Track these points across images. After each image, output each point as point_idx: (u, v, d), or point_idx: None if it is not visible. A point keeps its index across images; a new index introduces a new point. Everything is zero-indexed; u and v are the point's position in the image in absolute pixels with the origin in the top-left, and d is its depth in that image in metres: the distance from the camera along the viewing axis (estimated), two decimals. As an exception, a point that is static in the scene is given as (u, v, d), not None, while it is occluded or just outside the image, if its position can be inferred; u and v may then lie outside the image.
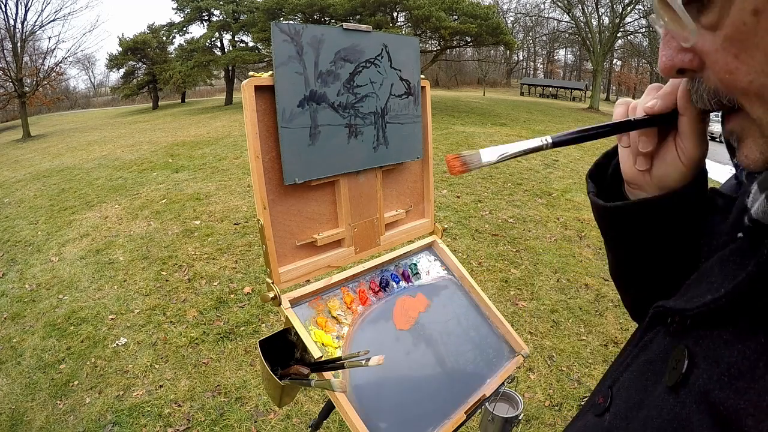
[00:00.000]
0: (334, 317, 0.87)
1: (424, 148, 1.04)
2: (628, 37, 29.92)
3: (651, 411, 0.35)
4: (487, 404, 0.99)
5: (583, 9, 24.80)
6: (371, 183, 0.95)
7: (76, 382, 2.48)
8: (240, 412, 2.21)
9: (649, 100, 0.44)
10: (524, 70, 58.38)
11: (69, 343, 2.84)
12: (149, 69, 25.78)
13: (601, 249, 4.18)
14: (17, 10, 18.98)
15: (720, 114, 0.36)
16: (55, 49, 26.51)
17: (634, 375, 0.41)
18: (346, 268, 0.95)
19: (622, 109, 0.48)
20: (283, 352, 0.81)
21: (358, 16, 16.82)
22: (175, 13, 25.67)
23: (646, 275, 0.53)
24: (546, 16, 34.65)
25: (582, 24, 25.17)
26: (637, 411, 0.38)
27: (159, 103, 28.28)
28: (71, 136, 14.09)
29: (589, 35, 24.95)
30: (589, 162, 8.19)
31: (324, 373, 0.76)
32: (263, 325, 2.96)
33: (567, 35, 34.19)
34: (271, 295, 0.79)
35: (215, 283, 3.50)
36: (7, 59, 15.98)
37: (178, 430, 2.13)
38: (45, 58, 18.23)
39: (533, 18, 37.21)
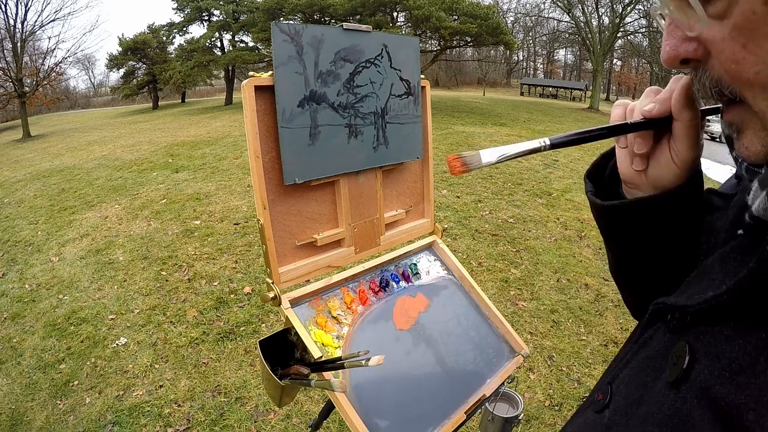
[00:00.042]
0: (334, 317, 0.87)
1: (424, 148, 1.04)
2: (628, 37, 29.93)
3: (651, 407, 0.35)
4: (487, 404, 0.99)
5: (583, 9, 24.81)
6: (371, 183, 0.95)
7: (76, 382, 2.48)
8: (240, 412, 2.21)
9: (647, 104, 0.45)
10: (524, 70, 58.38)
11: (69, 343, 2.84)
12: (149, 69, 25.79)
13: (601, 249, 4.17)
14: (17, 10, 18.99)
15: (720, 114, 0.36)
16: (55, 49, 26.53)
17: (634, 371, 0.41)
18: (346, 268, 0.95)
19: (619, 110, 0.49)
20: (283, 352, 0.81)
21: (358, 16, 16.82)
22: (175, 13, 25.70)
23: (646, 273, 0.53)
24: (546, 16, 34.68)
25: (582, 24, 25.18)
26: (637, 407, 0.38)
27: (159, 103, 28.28)
28: (71, 136, 14.09)
29: (589, 35, 24.95)
30: (589, 162, 8.13)
31: (324, 373, 0.76)
32: (263, 325, 2.96)
33: (567, 35, 34.19)
34: (271, 295, 0.79)
35: (215, 283, 3.50)
36: (7, 59, 15.99)
37: (178, 430, 2.13)
38: (45, 58, 18.25)
39: (533, 18, 37.22)
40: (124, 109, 30.62)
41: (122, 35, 26.61)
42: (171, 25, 25.53)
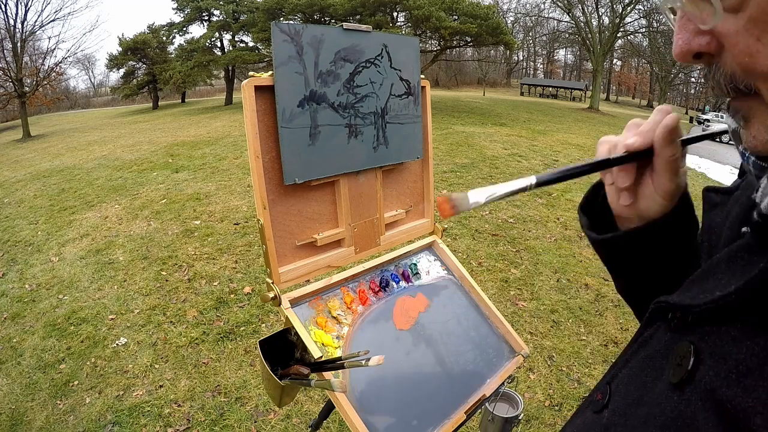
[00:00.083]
0: (334, 317, 0.87)
1: (424, 148, 1.04)
2: (628, 37, 29.94)
3: (652, 408, 0.35)
4: (487, 404, 0.99)
5: (583, 9, 24.81)
6: (371, 183, 0.95)
7: (76, 382, 2.48)
8: (240, 412, 2.21)
9: (629, 137, 0.46)
10: (524, 70, 58.39)
11: (69, 343, 2.84)
12: (149, 69, 25.80)
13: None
14: (17, 10, 18.96)
15: (728, 101, 0.35)
16: (55, 49, 26.52)
17: (633, 371, 0.41)
18: (346, 268, 0.95)
19: (604, 147, 0.50)
20: (283, 352, 0.81)
21: (358, 16, 16.82)
22: (175, 13, 25.72)
23: (651, 292, 0.54)
24: (546, 16, 34.68)
25: (582, 24, 25.18)
26: (636, 408, 0.37)
27: (159, 103, 28.29)
28: (71, 136, 14.09)
29: (589, 35, 24.96)
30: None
31: (324, 373, 0.76)
32: (263, 325, 2.96)
33: (567, 35, 34.18)
34: (271, 295, 0.79)
35: (215, 283, 3.50)
36: (7, 59, 15.99)
37: (178, 430, 2.13)
38: (45, 58, 18.26)
39: (533, 18, 37.22)
40: (124, 109, 30.62)
41: (122, 35, 26.63)
42: (171, 25, 25.54)
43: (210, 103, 26.46)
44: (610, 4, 24.46)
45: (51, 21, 18.51)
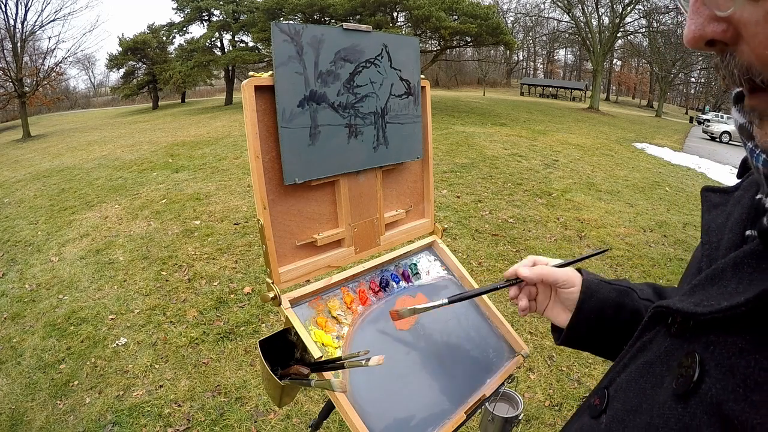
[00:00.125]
0: (334, 317, 0.87)
1: (424, 148, 1.04)
2: (628, 37, 29.92)
3: (654, 418, 0.34)
4: (487, 404, 0.99)
5: (583, 9, 24.80)
6: (371, 183, 0.95)
7: (76, 382, 2.48)
8: (240, 412, 2.21)
9: (518, 268, 0.68)
10: (524, 70, 58.39)
11: (69, 343, 2.84)
12: (149, 69, 25.79)
13: (600, 249, 4.17)
14: (17, 10, 18.96)
15: (734, 93, 0.33)
16: (55, 49, 26.49)
17: (632, 377, 0.40)
18: (346, 268, 0.95)
19: (510, 272, 0.70)
20: (283, 352, 0.81)
21: (358, 16, 16.82)
22: (175, 13, 25.70)
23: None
24: (546, 16, 34.65)
25: (582, 24, 25.17)
26: (635, 415, 0.37)
27: (159, 103, 28.29)
28: (71, 136, 14.09)
29: (589, 35, 24.95)
30: (589, 162, 8.21)
31: (324, 373, 0.76)
32: (263, 325, 2.96)
33: (567, 35, 34.15)
34: (271, 295, 0.79)
35: (215, 283, 3.50)
36: (7, 59, 15.98)
37: (178, 430, 2.13)
38: (45, 58, 18.23)
39: (533, 18, 37.19)
40: (124, 109, 30.62)
41: (122, 35, 26.63)
42: (171, 25, 25.53)
43: (210, 103, 26.45)
44: (610, 4, 24.45)
45: (51, 21, 18.49)
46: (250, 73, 0.74)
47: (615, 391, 0.42)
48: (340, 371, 0.75)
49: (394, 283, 0.99)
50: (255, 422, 2.15)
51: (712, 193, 0.46)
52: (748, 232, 0.36)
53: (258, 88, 0.73)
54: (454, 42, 18.25)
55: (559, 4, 25.75)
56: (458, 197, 5.51)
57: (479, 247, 4.09)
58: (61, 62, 19.25)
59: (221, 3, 23.00)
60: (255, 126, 0.73)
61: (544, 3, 30.86)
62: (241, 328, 2.91)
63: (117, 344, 2.81)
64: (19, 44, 15.98)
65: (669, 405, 0.33)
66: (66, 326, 3.03)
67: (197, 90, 37.19)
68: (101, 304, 3.29)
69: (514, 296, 0.70)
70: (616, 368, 0.44)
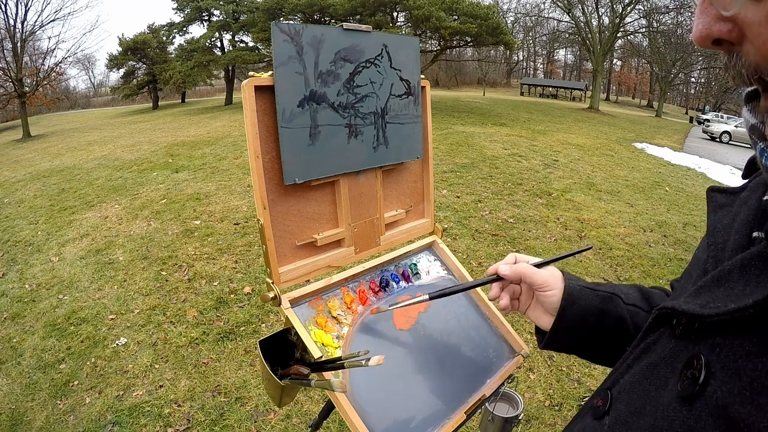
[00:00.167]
0: (334, 317, 0.87)
1: (424, 148, 1.04)
2: (628, 37, 29.92)
3: (658, 420, 0.34)
4: (487, 404, 0.99)
5: (583, 9, 24.80)
6: (371, 183, 0.95)
7: (76, 382, 2.48)
8: (240, 412, 2.21)
9: (498, 265, 0.67)
10: (524, 70, 58.40)
11: (69, 343, 2.84)
12: (149, 69, 25.80)
13: (600, 249, 4.18)
14: (17, 10, 18.96)
15: (745, 92, 0.33)
16: (55, 49, 26.50)
17: (636, 378, 0.40)
18: (346, 268, 0.95)
19: (491, 269, 0.69)
20: (283, 352, 0.81)
21: (358, 16, 16.82)
22: (175, 13, 25.71)
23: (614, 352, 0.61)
24: (546, 16, 34.63)
25: (582, 24, 25.17)
26: (639, 417, 0.36)
27: (159, 103, 28.29)
28: (71, 136, 14.09)
29: (589, 35, 24.95)
30: (589, 162, 8.21)
31: (324, 373, 0.76)
32: (263, 325, 2.96)
33: (567, 35, 34.14)
34: (271, 295, 0.79)
35: (215, 283, 3.50)
36: (7, 59, 15.98)
37: (178, 430, 2.13)
38: (45, 58, 18.24)
39: (533, 18, 37.17)
40: (124, 109, 30.62)
41: (122, 35, 26.63)
42: (171, 25, 25.53)
43: (210, 103, 26.46)
44: (610, 4, 24.45)
45: (51, 21, 18.51)
46: (250, 73, 0.74)
47: (618, 393, 0.41)
48: (340, 371, 0.75)
49: (394, 283, 0.99)
50: (255, 422, 2.15)
51: (718, 194, 0.46)
52: (755, 234, 0.36)
53: (258, 88, 0.73)
54: (454, 42, 18.25)
55: (559, 4, 25.75)
56: (458, 197, 5.51)
57: (479, 247, 4.09)
58: (61, 62, 19.28)
59: (221, 3, 23.00)
60: (255, 126, 0.73)
61: (544, 3, 30.86)
62: (241, 328, 2.91)
63: (117, 344, 2.81)
64: (19, 44, 15.98)
65: (673, 407, 0.32)
66: (66, 326, 3.03)
67: (197, 90, 37.20)
68: (101, 304, 3.29)
69: (495, 297, 0.69)
70: (620, 369, 0.43)
